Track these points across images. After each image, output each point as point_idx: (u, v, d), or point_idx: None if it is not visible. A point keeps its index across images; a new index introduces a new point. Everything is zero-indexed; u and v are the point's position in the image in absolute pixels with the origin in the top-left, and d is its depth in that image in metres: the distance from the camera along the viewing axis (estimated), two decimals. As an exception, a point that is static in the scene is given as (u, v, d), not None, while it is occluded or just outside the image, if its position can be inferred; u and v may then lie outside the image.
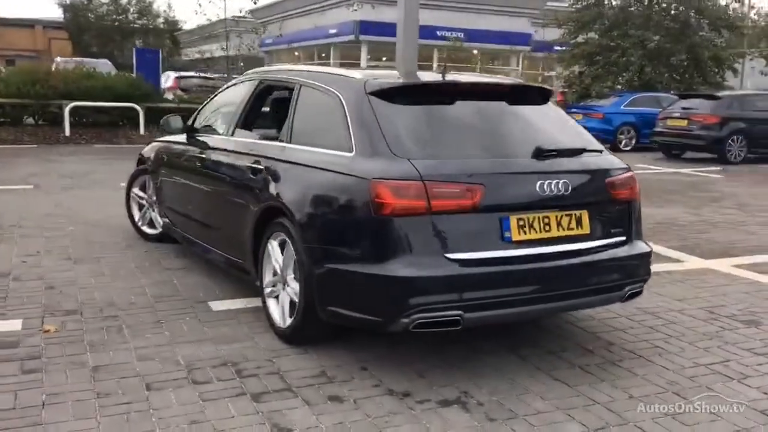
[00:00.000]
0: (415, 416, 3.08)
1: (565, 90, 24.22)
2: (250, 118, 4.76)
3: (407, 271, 3.20)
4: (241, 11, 23.39)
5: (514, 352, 3.83)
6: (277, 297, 3.97)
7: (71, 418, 2.96)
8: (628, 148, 17.17)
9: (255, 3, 21.58)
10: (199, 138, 5.20)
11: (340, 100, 3.74)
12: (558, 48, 28.08)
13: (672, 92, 20.57)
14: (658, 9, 23.94)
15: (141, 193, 6.23)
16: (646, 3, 24.05)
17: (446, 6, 33.69)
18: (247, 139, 4.54)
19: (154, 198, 5.98)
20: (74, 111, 15.27)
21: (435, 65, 35.13)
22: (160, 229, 5.98)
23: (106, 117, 15.99)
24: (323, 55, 41.88)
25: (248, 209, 4.16)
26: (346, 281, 3.41)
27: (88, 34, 41.74)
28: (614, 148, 15.39)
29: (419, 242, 3.24)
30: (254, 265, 4.15)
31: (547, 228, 3.47)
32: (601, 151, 3.90)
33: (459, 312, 3.23)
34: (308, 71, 4.40)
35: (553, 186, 3.44)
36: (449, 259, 3.24)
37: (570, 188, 3.49)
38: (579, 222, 3.57)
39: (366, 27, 35.21)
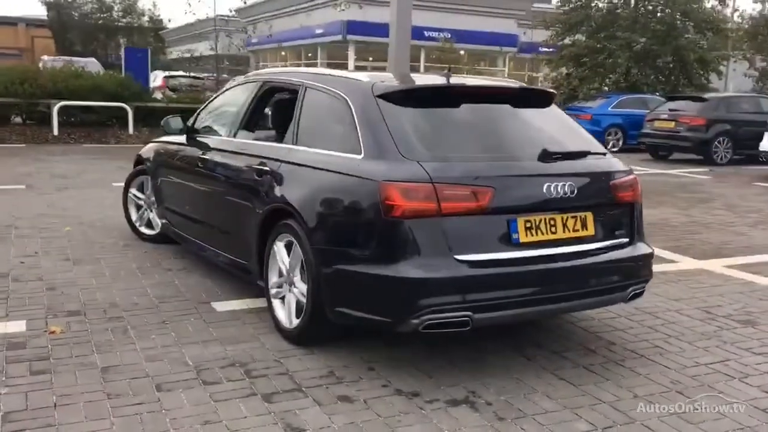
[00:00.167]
0: (425, 416, 3.12)
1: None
2: (253, 119, 4.77)
3: (417, 272, 3.23)
4: (230, 11, 23.34)
5: (519, 352, 3.88)
6: (282, 298, 3.99)
7: (84, 419, 2.97)
8: (615, 150, 17.29)
9: (245, 3, 21.53)
10: (199, 139, 5.20)
11: (348, 102, 3.76)
12: (545, 49, 28.28)
13: (658, 94, 20.79)
14: (644, 11, 24.20)
15: (139, 194, 6.23)
16: (632, 5, 24.28)
17: (433, 6, 33.80)
18: (251, 141, 4.56)
19: (153, 199, 5.97)
20: (63, 110, 15.18)
21: (422, 66, 35.24)
22: (158, 230, 5.98)
23: (95, 116, 15.91)
24: (309, 54, 41.87)
25: (253, 211, 4.18)
26: (355, 282, 3.44)
27: (72, 32, 41.43)
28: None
29: (429, 244, 3.28)
30: (259, 266, 4.17)
31: (553, 230, 3.52)
32: (604, 154, 3.96)
33: (468, 313, 3.27)
34: (313, 73, 4.42)
35: (559, 188, 3.49)
36: (458, 260, 3.28)
37: (575, 190, 3.55)
38: (584, 224, 3.63)
39: (353, 27, 35.27)
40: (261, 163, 4.17)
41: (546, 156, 3.59)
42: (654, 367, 3.74)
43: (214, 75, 21.49)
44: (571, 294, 3.59)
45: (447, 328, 3.31)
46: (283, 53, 43.87)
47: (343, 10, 29.01)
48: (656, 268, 5.52)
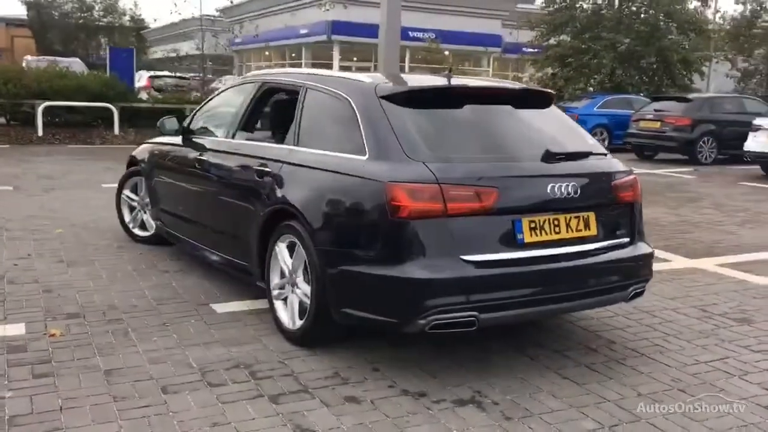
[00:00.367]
0: (433, 416, 3.12)
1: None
2: (252, 120, 4.75)
3: (424, 273, 3.24)
4: (217, 11, 23.24)
5: (522, 351, 3.90)
6: (285, 299, 3.98)
7: (91, 422, 2.95)
8: (601, 150, 17.42)
9: (232, 2, 21.44)
10: (196, 140, 5.18)
11: (351, 103, 3.76)
12: (529, 50, 28.43)
13: (642, 94, 20.97)
14: (628, 12, 24.39)
15: (132, 195, 6.18)
16: (616, 6, 24.47)
17: (417, 7, 33.83)
18: (250, 142, 4.54)
19: (147, 200, 5.93)
20: (47, 111, 15.04)
21: (407, 66, 35.27)
22: (152, 232, 5.94)
23: (80, 117, 15.77)
24: (293, 55, 41.76)
25: (254, 212, 4.16)
26: (361, 283, 3.44)
27: (52, 32, 41.07)
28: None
29: (435, 244, 3.29)
30: (260, 267, 4.15)
31: (557, 230, 3.55)
32: (605, 154, 3.99)
33: (474, 313, 3.28)
34: (314, 74, 4.41)
35: (563, 189, 3.51)
36: (465, 261, 3.29)
37: (578, 191, 3.57)
38: (587, 224, 3.65)
39: (338, 27, 35.21)
40: (262, 164, 4.16)
41: (549, 156, 3.62)
42: (655, 366, 3.77)
43: (200, 75, 21.38)
44: (574, 294, 3.61)
45: (453, 329, 3.32)
46: (267, 53, 43.71)
47: (328, 10, 28.90)
48: (652, 267, 5.64)
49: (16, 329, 3.95)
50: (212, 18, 24.31)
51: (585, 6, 24.79)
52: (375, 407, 3.18)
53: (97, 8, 42.47)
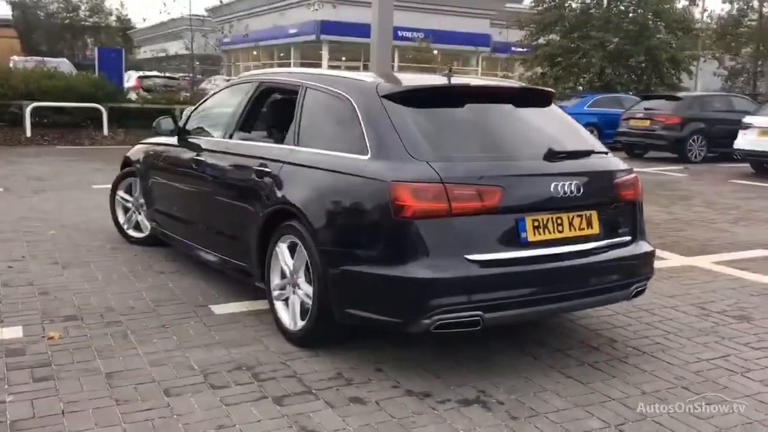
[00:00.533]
0: (439, 416, 3.11)
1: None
2: (250, 120, 4.71)
3: (428, 272, 3.22)
4: (206, 10, 23.13)
5: (524, 351, 3.90)
6: (286, 300, 3.96)
7: (95, 426, 2.91)
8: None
9: (221, 2, 21.35)
10: (192, 141, 5.14)
11: (352, 103, 3.74)
12: (518, 49, 28.51)
13: (632, 93, 21.07)
14: (617, 12, 24.51)
15: (127, 196, 6.13)
16: (605, 6, 24.58)
17: (407, 7, 33.83)
18: (249, 142, 4.51)
19: (142, 201, 5.88)
20: (35, 111, 14.91)
21: (396, 65, 35.26)
22: (147, 233, 5.90)
23: (69, 117, 15.66)
24: (282, 54, 41.69)
25: (253, 212, 4.13)
26: (364, 283, 3.42)
27: (38, 32, 40.79)
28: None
29: (439, 244, 3.27)
30: (259, 267, 4.12)
31: (560, 228, 3.54)
32: (606, 153, 3.99)
33: (479, 312, 3.27)
34: (313, 74, 4.39)
35: (566, 187, 3.51)
36: (469, 260, 3.28)
37: (581, 189, 3.57)
38: (589, 222, 3.65)
39: (327, 27, 35.20)
40: (261, 164, 4.13)
41: (552, 155, 3.61)
42: (658, 364, 3.77)
43: (190, 75, 21.28)
44: (578, 292, 3.61)
45: (458, 328, 3.31)
46: (255, 53, 43.60)
47: (317, 9, 28.89)
48: (647, 265, 5.65)
49: (13, 332, 3.90)
50: (201, 18, 24.19)
51: (574, 5, 24.91)
52: (380, 408, 3.17)
53: (83, 8, 42.24)
